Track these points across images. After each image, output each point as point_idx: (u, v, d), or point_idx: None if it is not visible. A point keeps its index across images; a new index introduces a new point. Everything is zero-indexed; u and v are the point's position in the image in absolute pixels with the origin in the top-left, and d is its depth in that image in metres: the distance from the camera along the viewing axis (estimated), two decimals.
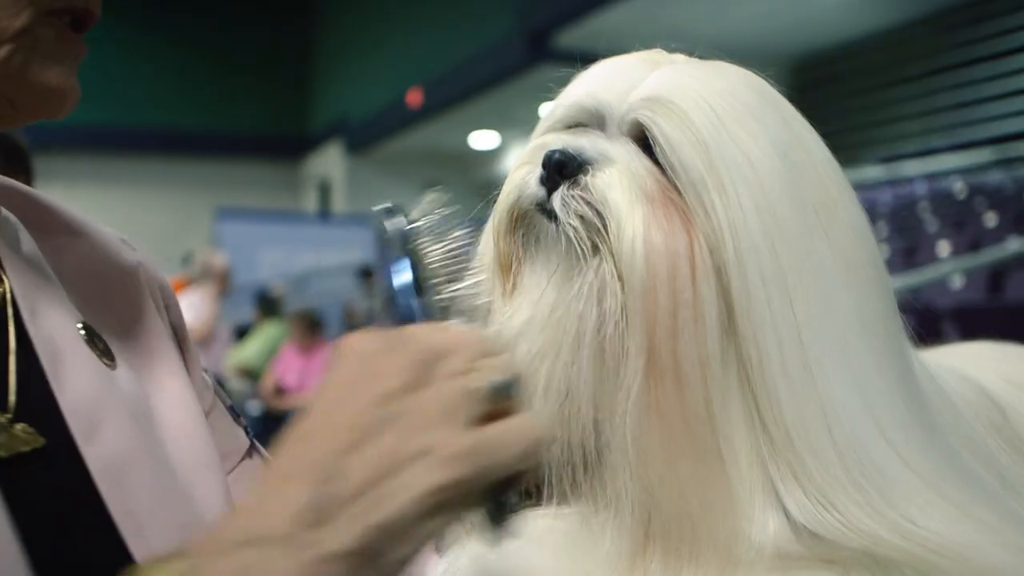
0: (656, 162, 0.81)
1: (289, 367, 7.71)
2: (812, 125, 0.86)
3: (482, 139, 15.93)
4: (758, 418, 0.76)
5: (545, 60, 12.71)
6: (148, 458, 0.77)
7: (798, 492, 0.74)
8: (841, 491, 0.74)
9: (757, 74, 0.87)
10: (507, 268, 0.88)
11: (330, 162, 18.43)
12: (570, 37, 12.30)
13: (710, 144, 0.79)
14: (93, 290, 0.87)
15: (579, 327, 0.79)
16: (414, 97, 15.10)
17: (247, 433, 1.02)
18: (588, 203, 0.81)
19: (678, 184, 0.80)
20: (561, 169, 0.82)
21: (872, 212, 7.75)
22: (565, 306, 0.81)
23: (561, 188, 0.82)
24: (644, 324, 0.76)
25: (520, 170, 0.88)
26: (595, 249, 0.80)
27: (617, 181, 0.80)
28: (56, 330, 0.78)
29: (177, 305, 0.99)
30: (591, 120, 0.87)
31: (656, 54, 0.90)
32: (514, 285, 0.87)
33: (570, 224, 0.81)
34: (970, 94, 10.63)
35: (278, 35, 18.11)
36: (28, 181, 1.69)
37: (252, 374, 8.20)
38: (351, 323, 13.04)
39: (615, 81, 0.87)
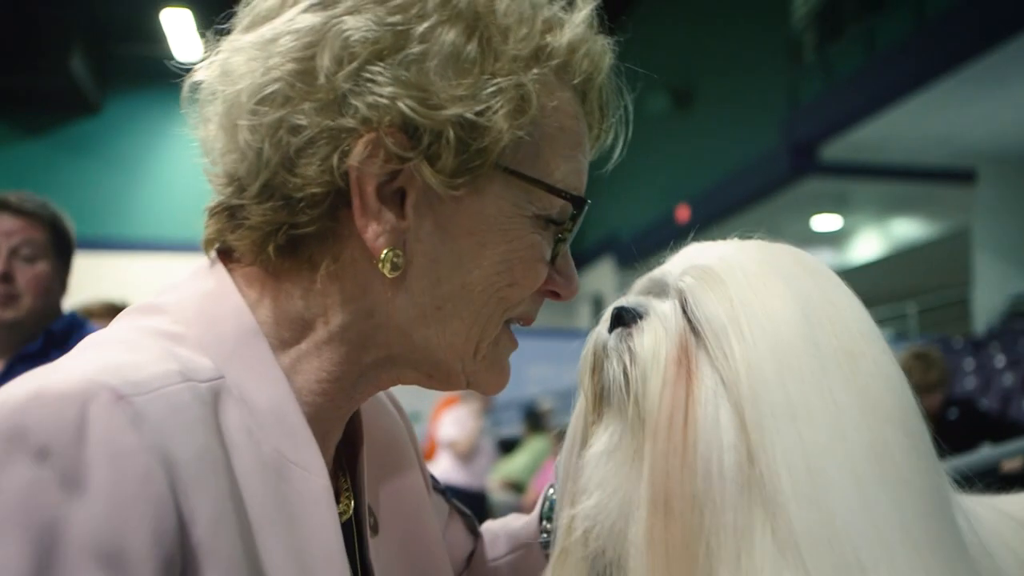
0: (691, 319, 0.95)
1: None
2: None
3: None
4: (772, 533, 0.85)
5: (811, 172, 12.63)
6: None
7: None
8: None
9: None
10: (595, 402, 1.03)
11: (602, 278, 18.84)
12: (835, 149, 12.19)
13: (735, 299, 0.92)
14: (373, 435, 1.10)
15: (614, 463, 0.94)
16: (683, 213, 15.30)
17: (469, 521, 1.29)
18: (629, 348, 0.96)
19: (702, 333, 0.93)
20: (618, 319, 0.99)
21: None
22: (609, 444, 0.96)
23: (613, 334, 0.98)
24: (654, 464, 0.89)
25: (602, 323, 1.03)
26: (629, 393, 0.94)
27: (649, 330, 0.95)
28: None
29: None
30: (656, 289, 1.02)
31: (734, 241, 1.03)
32: (597, 417, 1.02)
33: (613, 367, 0.96)
34: None
35: None
36: None
37: (517, 487, 8.45)
38: None
39: (682, 258, 1.02)
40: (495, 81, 0.87)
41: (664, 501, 0.88)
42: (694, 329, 0.94)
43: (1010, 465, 4.73)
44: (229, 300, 0.92)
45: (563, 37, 0.92)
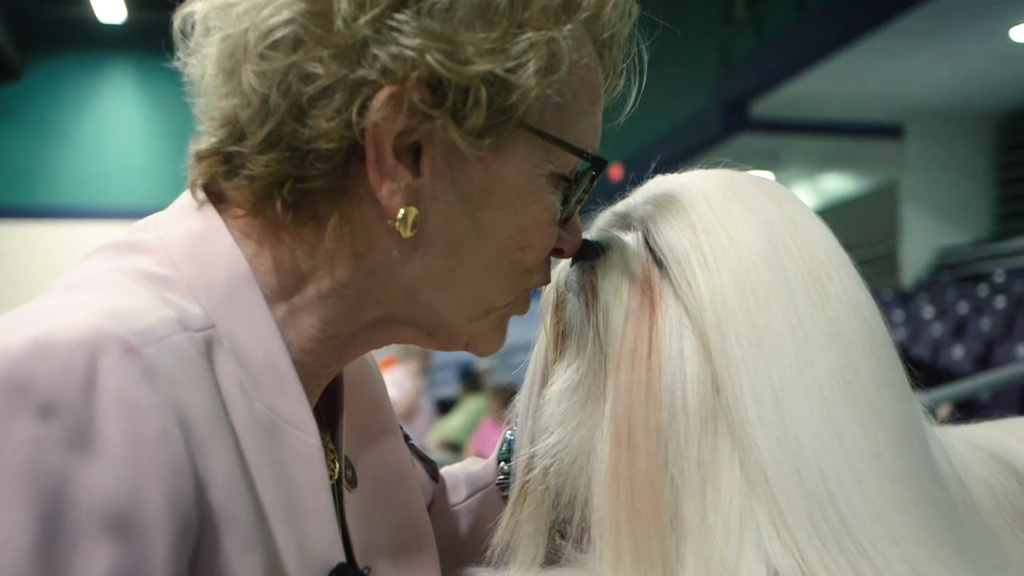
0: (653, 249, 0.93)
1: (487, 440, 7.90)
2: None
3: None
4: (740, 464, 0.84)
5: (743, 129, 12.72)
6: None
7: (775, 537, 0.81)
8: (804, 535, 0.80)
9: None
10: (556, 340, 1.01)
11: None
12: (767, 106, 12.27)
13: (697, 226, 0.90)
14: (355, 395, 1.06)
15: (576, 400, 0.93)
16: (615, 171, 15.32)
17: (430, 466, 1.25)
18: (590, 282, 0.94)
19: (665, 262, 0.91)
20: (582, 253, 0.96)
21: None
22: (571, 381, 0.94)
23: (576, 267, 0.96)
24: (617, 397, 0.88)
25: (565, 261, 1.01)
26: (591, 325, 0.92)
27: (611, 262, 0.93)
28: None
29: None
30: (620, 221, 1.00)
31: (697, 170, 1.01)
32: (559, 355, 1.00)
33: (574, 302, 0.95)
34: None
35: None
36: None
37: (455, 447, 8.45)
38: None
39: (646, 189, 1.00)
40: (526, 36, 0.82)
41: (628, 435, 0.86)
42: (657, 259, 0.92)
43: (942, 413, 4.86)
44: (220, 243, 0.85)
45: None
